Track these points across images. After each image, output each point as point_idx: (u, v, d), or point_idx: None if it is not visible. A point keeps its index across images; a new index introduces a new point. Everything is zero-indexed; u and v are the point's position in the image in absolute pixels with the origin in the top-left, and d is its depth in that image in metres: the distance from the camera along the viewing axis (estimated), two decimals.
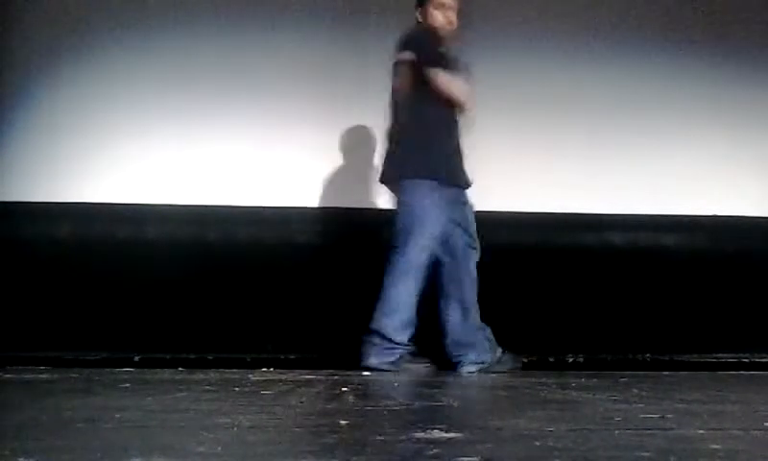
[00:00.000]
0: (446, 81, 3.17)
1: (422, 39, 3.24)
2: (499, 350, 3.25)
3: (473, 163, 3.82)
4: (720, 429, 1.40)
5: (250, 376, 2.72)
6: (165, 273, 3.80)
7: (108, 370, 2.96)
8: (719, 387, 2.53)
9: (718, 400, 2.07)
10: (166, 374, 2.84)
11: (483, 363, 3.20)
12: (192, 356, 3.57)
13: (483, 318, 3.90)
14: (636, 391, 2.21)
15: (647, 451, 1.13)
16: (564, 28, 4.25)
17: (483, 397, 2.12)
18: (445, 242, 3.22)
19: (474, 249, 3.30)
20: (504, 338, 3.90)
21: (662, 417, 1.56)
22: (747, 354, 3.93)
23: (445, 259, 3.23)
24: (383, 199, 3.95)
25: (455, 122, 3.29)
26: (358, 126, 3.98)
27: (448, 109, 3.23)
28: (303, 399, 1.95)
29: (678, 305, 4.01)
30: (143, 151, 3.96)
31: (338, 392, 2.08)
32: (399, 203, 3.24)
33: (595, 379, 2.69)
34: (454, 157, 3.27)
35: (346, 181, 4.05)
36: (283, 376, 2.73)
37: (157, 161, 3.97)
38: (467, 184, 3.31)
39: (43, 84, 3.99)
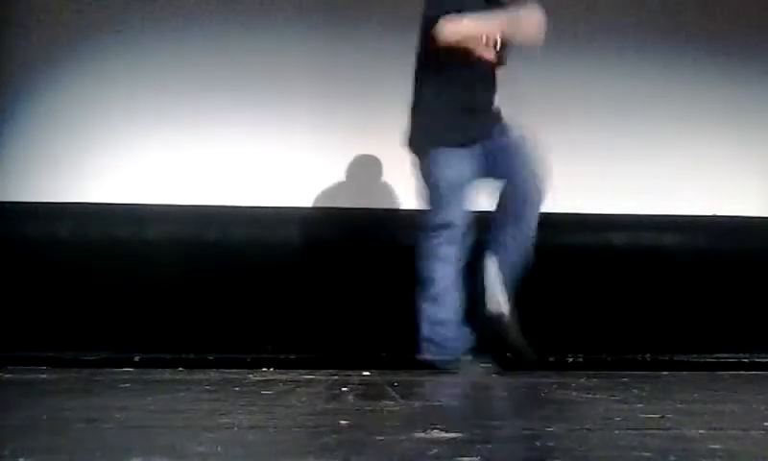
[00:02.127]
0: None
1: None
2: None
3: None
4: (720, 429, 1.40)
5: (250, 375, 2.72)
6: (165, 273, 3.80)
7: (107, 370, 2.96)
8: (719, 387, 2.53)
9: (718, 400, 2.07)
10: (166, 374, 2.84)
11: None
12: (192, 356, 3.57)
13: (484, 318, 3.91)
14: (636, 391, 2.21)
15: (647, 451, 1.13)
16: (565, 28, 4.24)
17: (483, 397, 2.12)
18: None
19: None
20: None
21: (662, 417, 1.56)
22: (747, 354, 3.93)
23: None
24: (383, 199, 3.96)
25: None
26: (358, 126, 3.98)
27: None
28: (303, 399, 1.95)
29: (678, 305, 4.01)
30: (143, 151, 3.96)
31: (338, 392, 2.08)
32: None
33: (595, 379, 2.68)
34: None
35: (346, 182, 4.05)
36: (283, 376, 2.73)
37: (157, 162, 3.97)
38: None
39: (43, 85, 3.99)
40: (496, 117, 3.25)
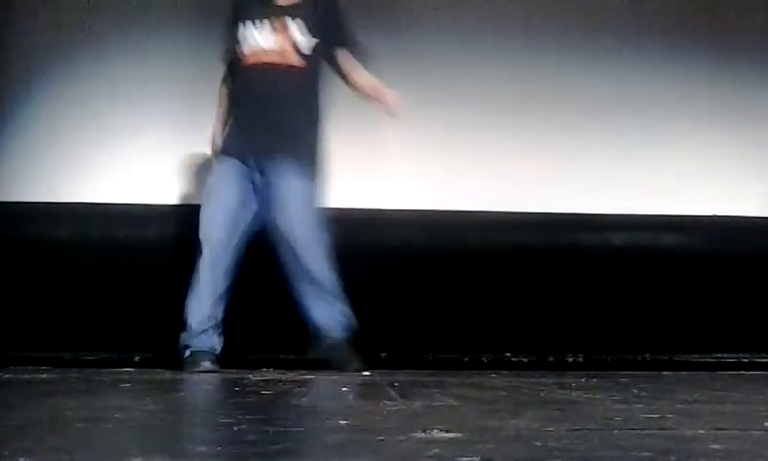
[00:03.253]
0: None
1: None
2: None
3: (473, 163, 3.83)
4: (720, 429, 1.40)
5: (250, 375, 2.72)
6: (165, 273, 3.79)
7: (107, 370, 2.96)
8: (719, 387, 2.53)
9: (718, 400, 2.07)
10: (166, 374, 2.85)
11: None
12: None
13: (485, 318, 3.91)
14: (635, 391, 2.21)
15: (647, 451, 1.13)
16: (564, 27, 4.24)
17: (483, 397, 2.12)
18: None
19: None
20: (504, 338, 3.91)
21: (662, 417, 1.56)
22: (747, 354, 3.93)
23: None
24: (388, 200, 3.95)
25: None
26: (359, 126, 3.97)
27: None
28: (303, 399, 1.95)
29: (678, 305, 4.01)
30: (143, 151, 3.96)
31: (338, 392, 2.08)
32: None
33: (595, 379, 2.69)
34: None
35: (351, 182, 4.04)
36: (283, 376, 2.73)
37: (157, 162, 3.97)
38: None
39: (43, 84, 3.98)
40: (287, 152, 3.07)
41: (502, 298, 3.88)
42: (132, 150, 3.96)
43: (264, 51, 3.09)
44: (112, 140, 3.95)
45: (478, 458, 1.05)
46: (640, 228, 4.15)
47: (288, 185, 3.06)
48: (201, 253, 3.08)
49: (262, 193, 3.10)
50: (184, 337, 3.10)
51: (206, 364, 3.01)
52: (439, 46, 3.98)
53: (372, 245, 3.86)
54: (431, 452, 1.09)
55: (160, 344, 3.69)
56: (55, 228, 3.87)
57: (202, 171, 3.99)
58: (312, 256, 3.06)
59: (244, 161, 3.10)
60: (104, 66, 4.00)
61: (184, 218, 3.95)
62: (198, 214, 3.93)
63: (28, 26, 4.02)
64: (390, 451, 1.14)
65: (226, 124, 3.21)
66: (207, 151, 3.97)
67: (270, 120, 3.07)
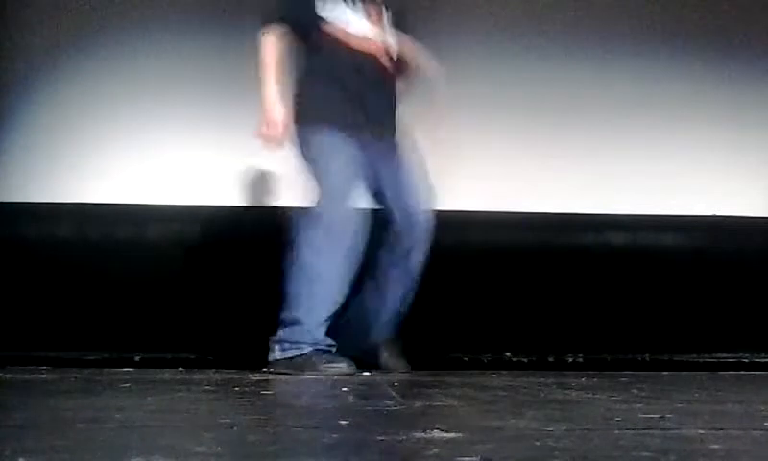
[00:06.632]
0: None
1: None
2: None
3: (473, 163, 3.82)
4: (720, 429, 1.40)
5: (250, 376, 2.72)
6: (165, 273, 3.80)
7: (107, 370, 2.96)
8: (719, 387, 2.53)
9: (718, 400, 2.07)
10: (166, 374, 2.84)
11: None
12: (192, 356, 3.57)
13: (486, 318, 3.91)
14: (635, 391, 2.21)
15: (647, 451, 1.13)
16: (564, 27, 4.25)
17: (483, 397, 2.12)
18: None
19: None
20: (504, 338, 3.91)
21: (662, 417, 1.55)
22: (747, 354, 3.93)
23: None
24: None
25: None
26: None
27: None
28: (303, 399, 1.95)
29: (678, 305, 4.01)
30: (143, 151, 3.96)
31: (338, 392, 2.08)
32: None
33: (595, 379, 2.68)
34: None
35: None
36: (283, 377, 2.73)
37: (157, 162, 3.97)
38: None
39: (43, 84, 3.99)
40: (391, 133, 2.97)
41: (502, 298, 3.89)
42: (132, 150, 3.96)
43: (359, 39, 2.85)
44: (112, 140, 3.96)
45: (478, 458, 1.05)
46: (640, 228, 4.15)
47: (407, 164, 2.91)
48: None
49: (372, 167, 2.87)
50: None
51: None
52: (439, 46, 3.97)
53: (371, 245, 3.86)
54: (431, 452, 1.09)
55: (160, 344, 3.70)
56: (55, 228, 3.88)
57: (201, 171, 4.00)
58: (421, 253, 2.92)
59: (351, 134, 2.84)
60: (103, 66, 4.00)
61: (184, 218, 3.96)
62: (198, 214, 3.96)
63: (29, 26, 4.02)
64: (390, 451, 1.13)
65: (301, 94, 2.93)
66: (207, 151, 3.99)
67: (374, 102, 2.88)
